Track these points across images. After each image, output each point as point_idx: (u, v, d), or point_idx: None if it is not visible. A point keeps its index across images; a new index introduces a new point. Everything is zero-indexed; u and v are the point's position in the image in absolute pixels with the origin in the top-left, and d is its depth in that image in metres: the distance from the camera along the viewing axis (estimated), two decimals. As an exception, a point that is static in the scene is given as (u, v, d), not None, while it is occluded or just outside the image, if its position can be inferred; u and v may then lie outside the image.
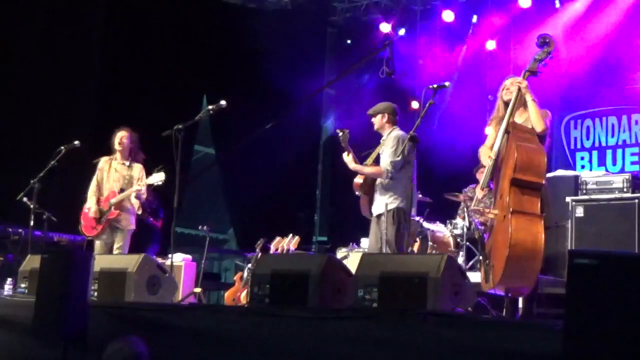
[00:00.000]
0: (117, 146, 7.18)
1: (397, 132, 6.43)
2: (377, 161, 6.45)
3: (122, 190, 7.07)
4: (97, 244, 7.15)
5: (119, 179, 7.12)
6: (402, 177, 6.27)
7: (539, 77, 5.16)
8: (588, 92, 9.90)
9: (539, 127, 4.95)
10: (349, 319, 3.99)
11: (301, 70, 10.97)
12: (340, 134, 6.47)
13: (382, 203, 6.25)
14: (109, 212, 7.03)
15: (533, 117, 4.99)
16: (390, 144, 6.32)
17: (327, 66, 11.90)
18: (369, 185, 6.41)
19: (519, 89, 5.08)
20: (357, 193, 6.51)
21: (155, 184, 7.01)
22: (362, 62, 9.85)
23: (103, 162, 7.21)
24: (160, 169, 7.00)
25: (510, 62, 10.37)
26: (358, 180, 6.46)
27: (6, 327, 5.32)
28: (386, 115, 6.51)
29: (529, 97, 5.03)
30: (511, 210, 4.72)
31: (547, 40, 5.09)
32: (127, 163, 7.17)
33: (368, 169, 6.37)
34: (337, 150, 12.25)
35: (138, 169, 7.19)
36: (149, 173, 7.15)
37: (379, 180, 6.35)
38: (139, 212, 7.31)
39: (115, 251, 7.00)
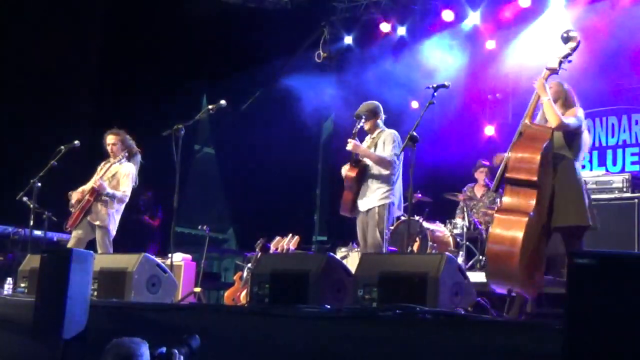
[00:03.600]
0: (108, 151, 7.12)
1: (391, 129, 6.47)
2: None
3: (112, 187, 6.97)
4: (71, 237, 7.00)
5: (105, 175, 7.02)
6: (396, 174, 6.32)
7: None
8: (588, 92, 9.88)
9: (553, 122, 4.88)
10: (349, 319, 4.00)
11: (301, 70, 10.96)
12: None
13: (375, 197, 6.24)
14: (84, 201, 6.89)
15: (546, 113, 4.91)
16: (389, 140, 6.31)
17: (327, 66, 11.85)
18: (359, 180, 6.37)
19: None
20: (348, 185, 6.41)
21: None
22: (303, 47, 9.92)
23: (102, 164, 7.16)
24: None
25: (510, 62, 10.37)
26: (351, 173, 6.38)
27: (6, 327, 5.32)
28: (378, 114, 6.51)
29: (543, 96, 4.93)
30: (496, 208, 4.74)
31: (571, 36, 4.98)
32: (119, 162, 7.08)
33: (375, 155, 6.29)
34: (337, 150, 12.29)
35: (127, 167, 7.04)
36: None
37: (377, 172, 6.30)
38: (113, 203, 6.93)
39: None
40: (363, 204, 6.33)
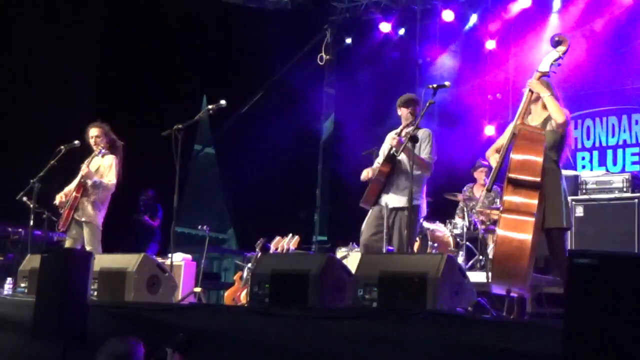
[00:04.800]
0: (92, 145, 7.10)
1: (426, 128, 6.36)
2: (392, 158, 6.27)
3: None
4: (67, 239, 7.00)
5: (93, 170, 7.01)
6: (428, 175, 6.30)
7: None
8: (588, 92, 9.89)
9: (559, 119, 4.90)
10: (349, 319, 4.00)
11: (301, 70, 10.96)
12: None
13: (406, 197, 6.05)
14: (71, 198, 6.87)
15: (552, 110, 4.93)
16: (427, 140, 6.23)
17: (326, 66, 11.88)
18: (390, 176, 6.25)
19: (530, 90, 5.04)
20: (378, 177, 6.24)
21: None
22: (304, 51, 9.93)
23: (85, 162, 7.15)
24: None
25: (510, 62, 10.38)
26: (385, 169, 6.24)
27: (6, 327, 5.32)
28: (417, 107, 6.35)
29: (544, 93, 4.97)
30: (501, 209, 4.75)
31: (561, 40, 5.05)
32: (101, 155, 7.08)
33: (418, 157, 6.09)
34: (337, 150, 12.30)
35: (109, 158, 7.03)
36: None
37: (414, 173, 6.10)
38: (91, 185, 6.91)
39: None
40: (389, 200, 6.19)
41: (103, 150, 7.01)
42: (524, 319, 4.96)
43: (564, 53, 5.03)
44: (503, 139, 5.19)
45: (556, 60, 5.03)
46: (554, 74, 5.10)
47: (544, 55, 5.13)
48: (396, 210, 6.18)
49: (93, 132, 7.10)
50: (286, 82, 10.85)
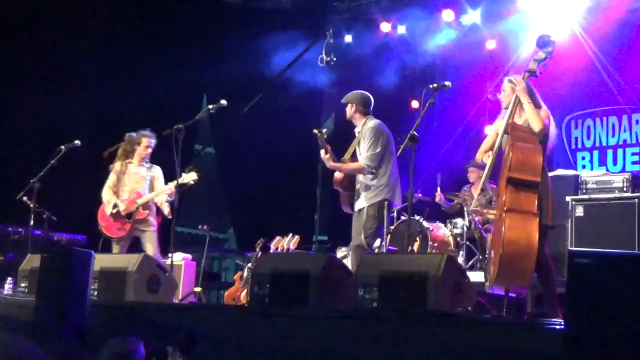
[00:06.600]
0: (142, 150, 7.14)
1: (373, 122, 6.18)
2: (354, 155, 6.24)
3: (150, 192, 7.08)
4: (115, 247, 7.08)
5: (141, 181, 7.08)
6: (384, 168, 6.09)
7: (540, 77, 5.15)
8: (588, 92, 9.89)
9: (536, 126, 4.94)
10: (349, 318, 4.00)
11: (301, 70, 10.96)
12: (318, 134, 6.18)
13: (366, 197, 6.06)
14: (137, 212, 6.99)
15: (530, 117, 4.98)
16: (368, 136, 6.08)
17: (327, 66, 11.88)
18: (349, 181, 6.24)
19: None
20: (337, 189, 6.34)
21: (189, 183, 6.88)
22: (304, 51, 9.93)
23: (119, 165, 7.18)
24: (191, 169, 6.93)
25: (510, 62, 10.38)
26: (339, 175, 6.28)
27: (6, 327, 5.32)
28: (354, 105, 6.23)
29: (524, 99, 5.01)
30: (505, 208, 4.74)
31: (547, 41, 5.08)
32: (147, 165, 7.15)
33: (347, 167, 6.17)
34: (337, 150, 12.26)
35: (158, 170, 7.19)
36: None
37: (360, 176, 6.15)
38: (168, 214, 7.00)
39: None
40: (357, 205, 6.17)
41: (144, 162, 7.13)
42: (523, 319, 4.96)
43: (550, 53, 5.05)
44: (490, 140, 5.23)
45: (543, 60, 5.06)
46: (541, 75, 5.12)
47: (531, 55, 5.17)
48: (360, 210, 6.13)
49: (152, 142, 7.17)
50: (286, 82, 10.85)
